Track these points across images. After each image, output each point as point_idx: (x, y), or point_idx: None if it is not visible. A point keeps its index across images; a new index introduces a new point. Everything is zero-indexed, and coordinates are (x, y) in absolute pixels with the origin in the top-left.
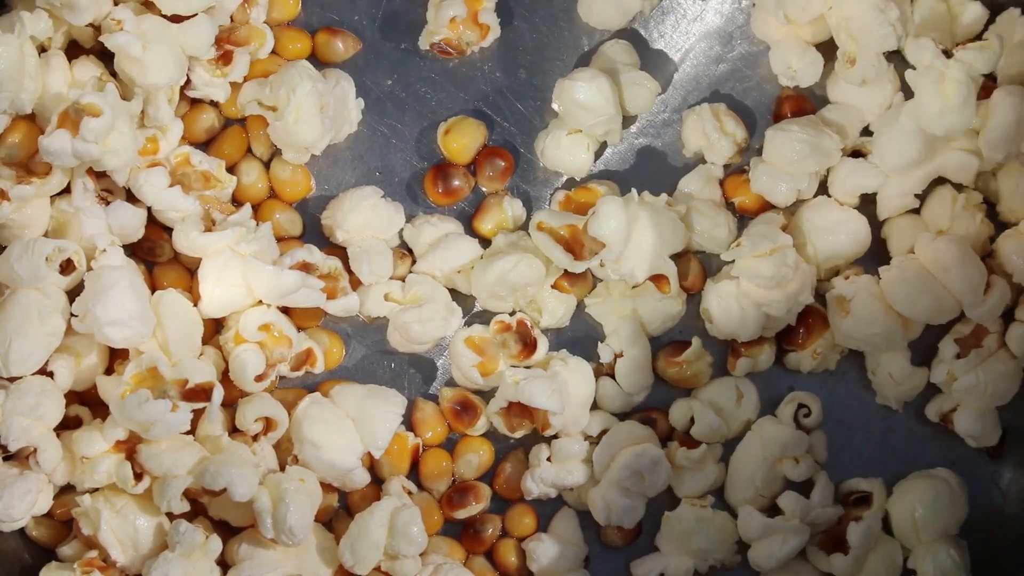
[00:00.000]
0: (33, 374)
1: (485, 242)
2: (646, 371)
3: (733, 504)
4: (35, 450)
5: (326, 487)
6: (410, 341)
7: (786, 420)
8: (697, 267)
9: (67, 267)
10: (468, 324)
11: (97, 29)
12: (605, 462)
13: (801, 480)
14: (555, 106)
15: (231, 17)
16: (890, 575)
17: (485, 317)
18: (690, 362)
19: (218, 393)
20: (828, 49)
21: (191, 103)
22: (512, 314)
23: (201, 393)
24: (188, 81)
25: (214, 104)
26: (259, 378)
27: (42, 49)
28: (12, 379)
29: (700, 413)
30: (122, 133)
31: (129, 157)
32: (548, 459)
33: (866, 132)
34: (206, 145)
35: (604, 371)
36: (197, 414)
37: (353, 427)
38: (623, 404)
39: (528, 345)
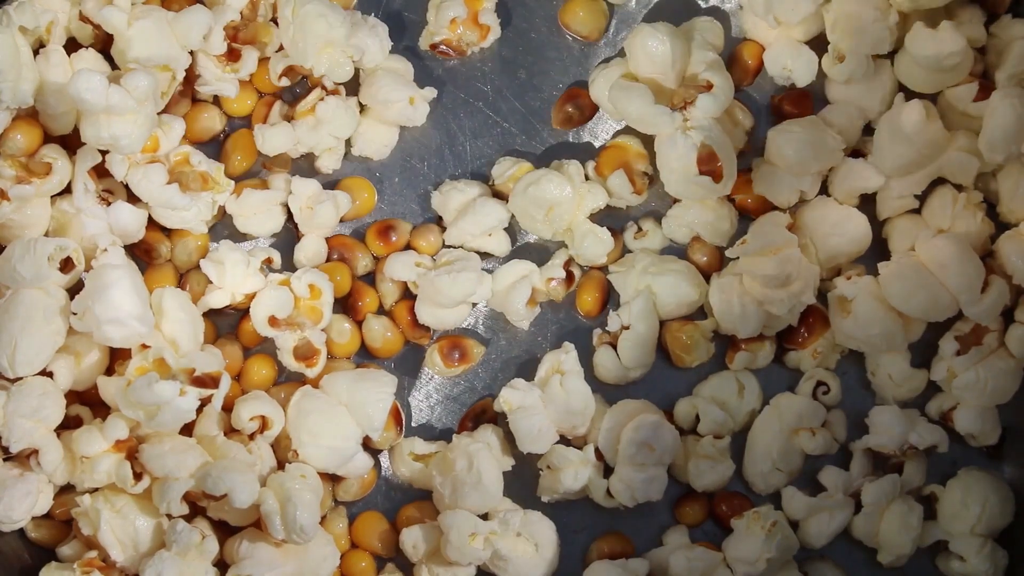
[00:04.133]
0: (34, 374)
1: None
2: (648, 350)
3: (750, 479)
4: (36, 451)
5: (325, 478)
6: (440, 301)
7: (804, 393)
8: (714, 252)
9: (66, 265)
10: None
11: (96, 26)
12: (613, 448)
13: (817, 453)
14: (625, 44)
15: (240, 13)
16: (904, 535)
17: None
18: (693, 333)
19: (225, 381)
20: (820, 45)
21: (193, 102)
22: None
23: (209, 381)
24: (195, 77)
25: (216, 103)
26: (273, 322)
27: (40, 44)
28: (13, 379)
29: (704, 409)
30: (146, 118)
31: (135, 147)
32: (548, 467)
33: (867, 131)
34: (210, 144)
35: (607, 340)
36: (198, 415)
37: (347, 413)
38: (619, 376)
39: (568, 278)
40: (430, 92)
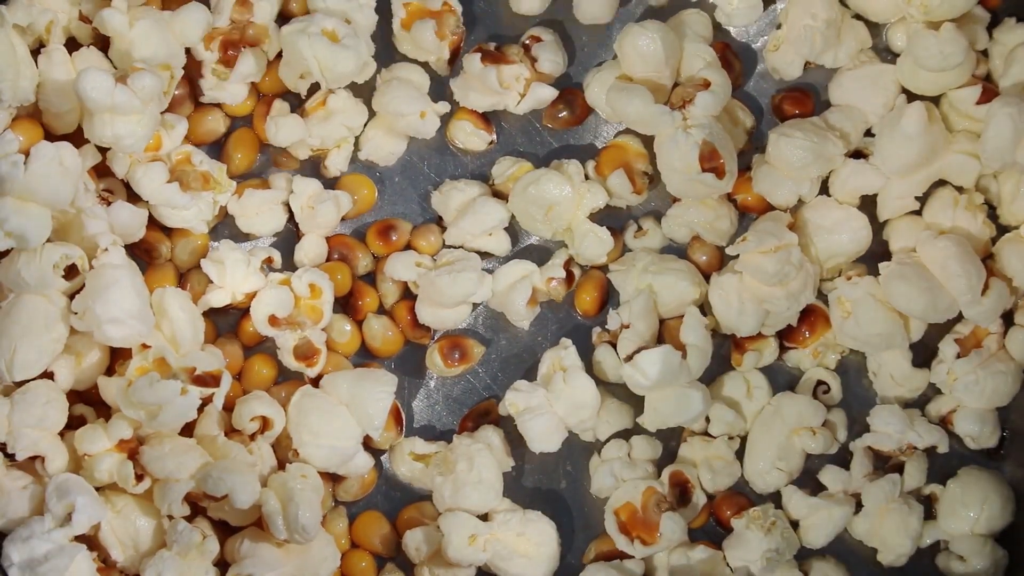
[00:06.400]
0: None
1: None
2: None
3: (750, 479)
4: (43, 458)
5: (325, 478)
6: (440, 301)
7: (804, 393)
8: (714, 251)
9: (70, 272)
10: None
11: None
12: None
13: (817, 453)
14: (615, 46)
15: (231, 19)
16: (903, 537)
17: None
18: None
19: (226, 379)
20: None
21: (196, 104)
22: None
23: (210, 380)
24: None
25: (218, 105)
26: (273, 321)
27: (40, 44)
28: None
29: (715, 410)
30: (150, 118)
31: (138, 146)
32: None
33: (869, 133)
34: (213, 146)
35: (606, 339)
36: (199, 414)
37: (348, 413)
38: (618, 375)
39: (568, 277)
40: (443, 107)
